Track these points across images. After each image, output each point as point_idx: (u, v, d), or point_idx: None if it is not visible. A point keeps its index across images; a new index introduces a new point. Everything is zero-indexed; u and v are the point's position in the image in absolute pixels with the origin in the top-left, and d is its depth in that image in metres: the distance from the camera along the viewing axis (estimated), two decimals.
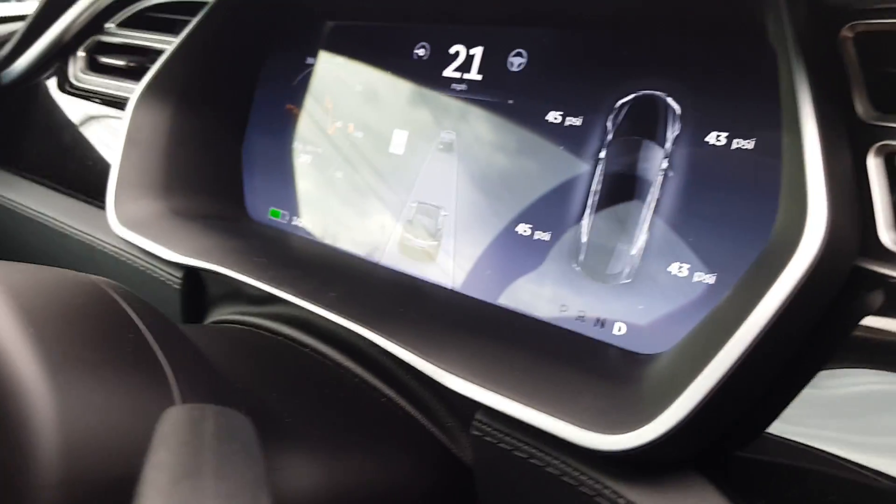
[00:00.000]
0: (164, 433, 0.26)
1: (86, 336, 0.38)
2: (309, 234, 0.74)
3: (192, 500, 0.21)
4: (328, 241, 0.72)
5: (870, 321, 0.38)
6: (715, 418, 0.39)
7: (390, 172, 0.67)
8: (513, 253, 0.58)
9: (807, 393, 0.40)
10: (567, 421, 0.41)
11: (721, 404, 0.38)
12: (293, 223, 0.75)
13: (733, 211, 0.48)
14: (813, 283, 0.36)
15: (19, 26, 0.95)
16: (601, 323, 0.53)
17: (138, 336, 0.40)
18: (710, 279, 0.48)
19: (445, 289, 0.62)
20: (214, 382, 0.41)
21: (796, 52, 0.40)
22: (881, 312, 0.37)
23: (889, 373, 0.38)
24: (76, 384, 0.35)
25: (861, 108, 0.40)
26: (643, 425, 0.38)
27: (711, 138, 0.49)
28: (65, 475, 0.32)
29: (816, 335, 0.39)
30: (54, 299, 0.41)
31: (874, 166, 0.39)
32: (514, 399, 0.43)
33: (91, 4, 0.91)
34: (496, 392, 0.44)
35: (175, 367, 0.38)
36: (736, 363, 0.36)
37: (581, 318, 0.54)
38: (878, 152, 0.39)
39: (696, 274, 0.49)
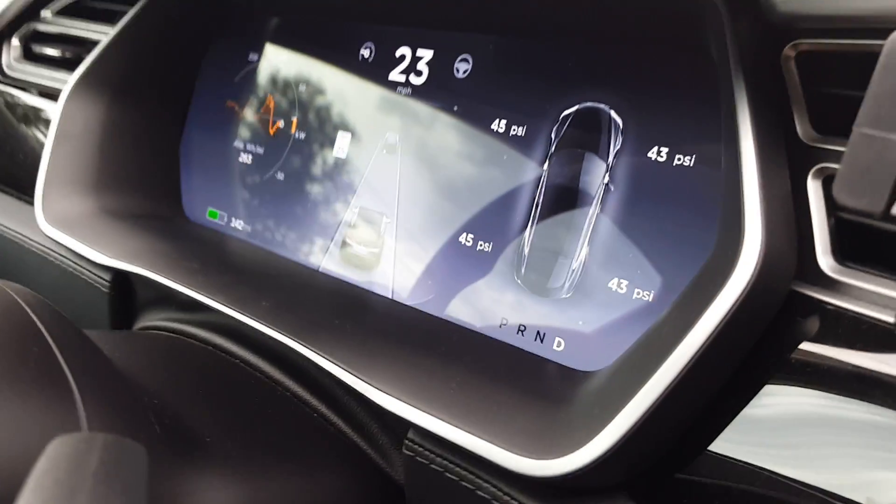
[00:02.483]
0: (42, 468, 0.24)
1: None
2: (248, 236, 0.71)
3: None
4: (267, 244, 0.69)
5: (807, 346, 0.37)
6: (649, 442, 0.38)
7: (333, 176, 0.65)
8: (455, 263, 0.57)
9: (745, 411, 0.39)
10: (499, 445, 0.39)
11: (655, 428, 0.37)
12: (232, 225, 0.72)
13: (673, 228, 0.47)
14: (748, 306, 0.35)
15: None
16: (541, 337, 0.51)
17: (44, 350, 0.38)
18: (648, 296, 0.47)
19: (386, 299, 0.60)
20: (126, 402, 0.38)
21: (737, 70, 0.39)
22: (817, 339, 0.37)
23: (826, 393, 0.37)
24: None
25: (801, 129, 0.39)
26: (575, 450, 0.37)
27: (653, 153, 0.48)
28: None
29: (753, 358, 0.38)
30: None
31: (813, 189, 0.38)
32: (445, 420, 0.41)
33: None
34: (428, 412, 0.42)
35: (83, 387, 0.36)
36: (670, 386, 0.35)
37: (521, 332, 0.52)
38: (817, 175, 0.38)
39: (636, 290, 0.48)
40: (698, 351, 0.35)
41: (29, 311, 0.41)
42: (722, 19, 0.41)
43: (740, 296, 0.35)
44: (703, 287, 0.39)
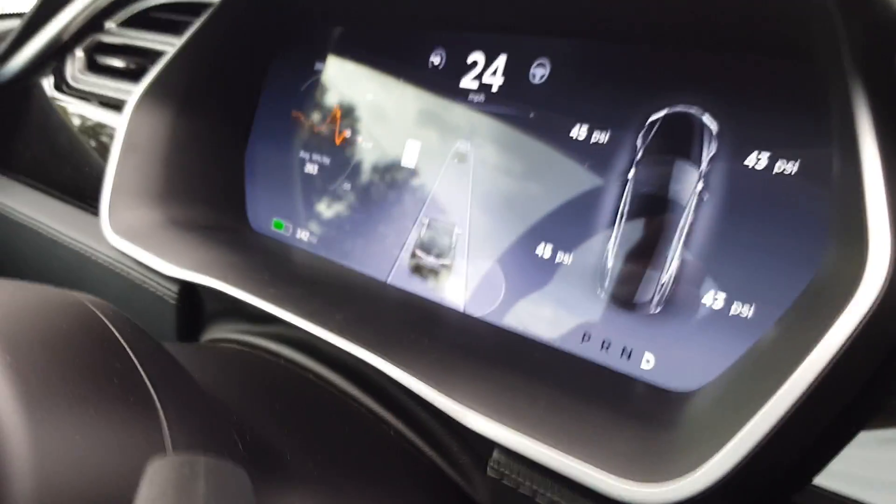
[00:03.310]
0: (149, 494, 0.23)
1: (68, 365, 0.34)
2: (313, 248, 0.70)
3: None
4: (334, 256, 0.68)
5: None
6: (764, 469, 0.35)
7: (401, 186, 0.64)
8: (532, 276, 0.54)
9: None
10: (595, 466, 0.37)
11: (773, 454, 0.34)
12: (297, 236, 0.71)
13: (773, 239, 0.44)
14: (877, 322, 0.33)
15: (16, 24, 0.92)
16: (628, 354, 0.49)
17: (127, 366, 0.36)
18: (748, 312, 0.45)
19: (458, 312, 0.58)
20: (209, 420, 0.37)
21: (853, 73, 0.37)
22: None
23: None
24: (55, 422, 0.31)
25: None
26: (685, 476, 0.34)
27: (751, 160, 0.46)
28: None
29: (874, 380, 0.36)
30: (35, 322, 0.37)
31: None
32: (536, 439, 0.39)
33: (91, 2, 0.88)
34: (516, 430, 0.40)
35: (167, 404, 0.35)
36: (792, 408, 0.33)
37: (605, 349, 0.50)
38: None
39: (734, 305, 0.45)
40: (822, 371, 0.32)
41: (109, 324, 0.40)
42: (834, 21, 0.38)
43: (869, 311, 0.32)
44: (819, 302, 0.37)
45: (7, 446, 0.30)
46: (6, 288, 0.40)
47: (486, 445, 0.43)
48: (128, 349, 0.38)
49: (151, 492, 0.23)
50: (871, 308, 0.32)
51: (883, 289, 0.32)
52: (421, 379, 0.44)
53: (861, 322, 0.32)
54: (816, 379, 0.33)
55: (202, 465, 0.25)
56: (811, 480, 0.38)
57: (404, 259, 0.62)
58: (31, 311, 0.38)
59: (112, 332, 0.38)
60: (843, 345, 0.32)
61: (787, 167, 0.44)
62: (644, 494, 0.35)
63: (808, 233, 0.43)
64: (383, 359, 0.46)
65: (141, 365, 0.37)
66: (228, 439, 0.37)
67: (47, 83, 0.91)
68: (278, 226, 0.73)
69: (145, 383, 0.36)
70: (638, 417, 0.42)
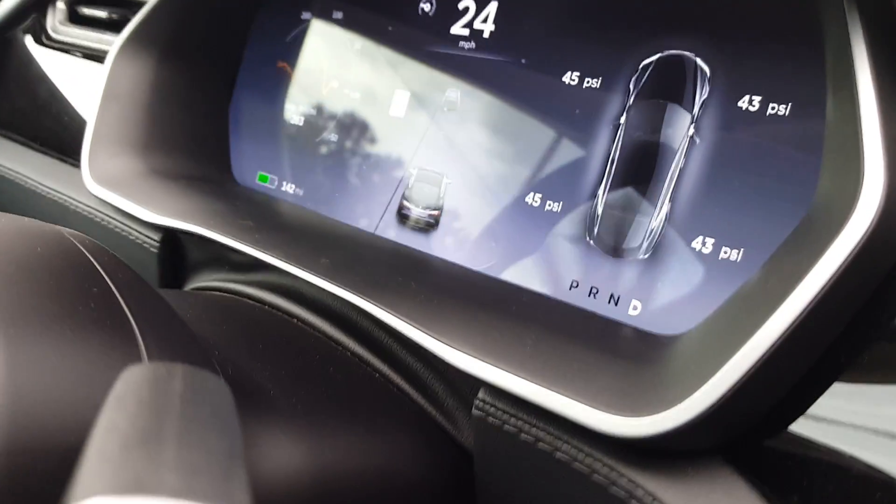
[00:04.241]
0: (120, 392, 0.22)
1: (43, 287, 0.34)
2: (300, 200, 0.69)
3: (145, 469, 0.16)
4: (320, 208, 0.67)
5: None
6: (748, 405, 0.35)
7: (389, 136, 0.63)
8: (521, 224, 0.54)
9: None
10: (580, 401, 0.37)
11: (756, 389, 0.34)
12: (283, 189, 0.70)
13: (765, 182, 0.44)
14: (865, 257, 0.32)
15: None
16: (615, 301, 0.48)
17: (104, 290, 0.36)
18: (736, 255, 0.44)
19: (446, 260, 0.57)
20: (189, 346, 0.36)
21: (850, 4, 0.36)
22: None
23: None
24: (29, 340, 0.30)
25: None
26: (667, 409, 0.34)
27: (743, 102, 0.45)
28: (10, 443, 0.27)
29: (861, 316, 0.35)
30: (10, 246, 0.36)
31: None
32: (520, 376, 0.39)
33: None
34: (501, 368, 0.39)
35: (143, 326, 0.34)
36: (775, 344, 0.32)
37: (593, 295, 0.49)
38: None
39: (723, 249, 0.45)
40: (811, 303, 0.32)
41: (86, 252, 0.39)
42: None
43: (858, 244, 0.32)
44: (808, 238, 0.36)
45: None
46: None
47: (471, 388, 0.43)
48: (105, 276, 0.37)
49: (124, 388, 0.22)
50: (862, 239, 0.32)
51: (875, 220, 0.32)
52: (407, 321, 0.44)
53: (852, 253, 0.32)
54: (802, 314, 0.32)
55: (180, 369, 0.24)
56: (788, 425, 0.37)
57: (392, 210, 0.62)
58: (6, 236, 0.37)
59: (89, 259, 0.37)
60: (835, 273, 0.32)
61: (780, 109, 0.44)
62: (627, 427, 0.35)
63: (799, 176, 0.43)
64: (369, 301, 0.45)
65: (119, 292, 0.36)
66: (209, 367, 0.36)
67: (28, 35, 0.89)
68: (263, 179, 0.72)
69: (123, 309, 0.35)
70: (624, 357, 0.42)
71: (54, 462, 0.28)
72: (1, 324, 0.30)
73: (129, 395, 0.21)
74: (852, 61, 0.35)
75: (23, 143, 0.84)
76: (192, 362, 0.35)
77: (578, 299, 0.50)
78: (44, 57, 0.86)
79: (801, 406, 0.37)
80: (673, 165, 0.47)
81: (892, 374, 0.35)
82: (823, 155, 0.39)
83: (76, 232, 0.42)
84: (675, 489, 0.35)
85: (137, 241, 0.63)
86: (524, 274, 0.53)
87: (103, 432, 0.18)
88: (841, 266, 0.32)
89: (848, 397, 0.37)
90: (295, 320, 0.53)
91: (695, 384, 0.34)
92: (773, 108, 0.44)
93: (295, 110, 0.70)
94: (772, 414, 0.37)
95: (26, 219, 0.41)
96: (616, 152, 0.50)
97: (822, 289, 0.32)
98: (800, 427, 0.37)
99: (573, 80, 0.52)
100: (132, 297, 0.36)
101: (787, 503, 0.35)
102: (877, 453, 0.34)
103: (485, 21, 0.58)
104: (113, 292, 0.36)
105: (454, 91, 0.59)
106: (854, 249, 0.32)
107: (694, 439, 0.35)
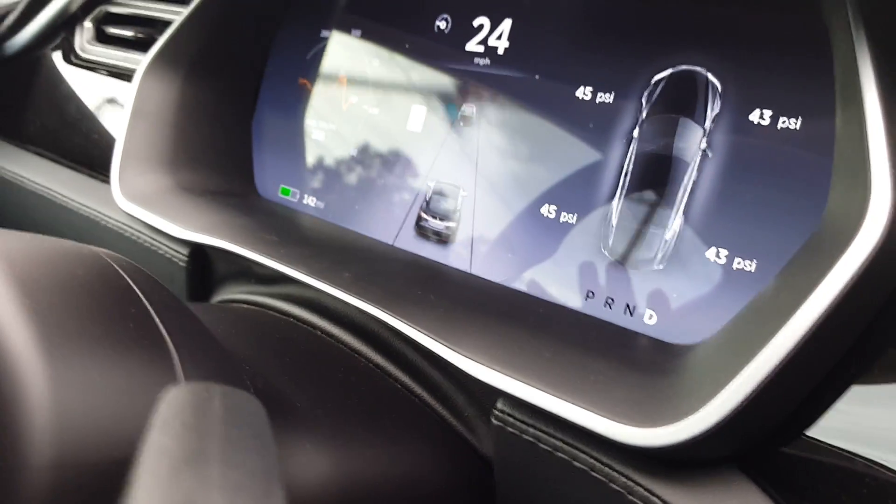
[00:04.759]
0: (165, 414, 0.24)
1: (84, 309, 0.35)
2: (320, 213, 0.71)
3: (194, 489, 0.18)
4: (341, 221, 0.69)
5: None
6: (763, 414, 0.36)
7: (407, 150, 0.64)
8: (536, 235, 0.55)
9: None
10: (598, 412, 0.38)
11: (770, 399, 0.35)
12: (304, 202, 0.72)
13: (776, 195, 0.45)
14: (874, 270, 0.33)
15: None
16: (630, 311, 0.50)
17: (141, 310, 0.37)
18: (750, 266, 0.45)
19: (463, 272, 0.59)
20: (221, 362, 0.38)
21: (857, 22, 0.37)
22: None
23: None
24: (72, 360, 0.32)
25: None
26: (683, 419, 0.35)
27: (755, 117, 0.46)
28: (57, 457, 0.29)
29: (872, 328, 0.36)
30: (53, 269, 0.38)
31: None
32: (538, 387, 0.40)
33: None
34: (520, 380, 0.41)
35: (179, 344, 0.36)
36: (788, 355, 0.33)
37: (608, 305, 0.51)
38: None
39: (736, 260, 0.46)
40: (822, 315, 0.33)
41: (123, 273, 0.41)
42: None
43: (868, 258, 0.33)
44: (819, 251, 0.37)
45: (28, 382, 0.31)
46: (23, 239, 0.41)
47: (490, 398, 0.44)
48: (141, 296, 0.39)
49: (168, 412, 0.23)
50: (870, 253, 0.33)
51: (883, 235, 0.33)
52: (426, 333, 0.45)
53: (861, 267, 0.33)
54: (814, 325, 0.33)
55: (219, 390, 0.26)
56: (804, 431, 0.38)
57: (410, 223, 0.63)
58: (48, 259, 0.39)
59: (126, 280, 0.39)
60: (843, 289, 0.33)
61: (790, 123, 0.45)
62: (643, 438, 0.36)
63: (810, 188, 0.44)
64: (390, 313, 0.47)
65: (155, 311, 0.38)
66: (240, 383, 0.38)
67: (56, 54, 0.92)
68: (285, 192, 0.74)
69: (159, 328, 0.37)
70: (640, 367, 0.43)
71: (98, 475, 0.30)
72: (47, 344, 0.32)
73: (174, 418, 0.23)
74: (859, 78, 0.36)
75: (54, 160, 0.87)
76: (224, 378, 0.37)
77: (594, 310, 0.51)
78: (72, 75, 0.89)
79: (815, 413, 0.38)
80: (686, 178, 0.48)
81: None
82: (833, 169, 0.40)
83: (112, 253, 0.43)
84: (691, 498, 0.36)
85: (167, 255, 0.65)
86: (540, 285, 0.54)
87: (153, 454, 0.20)
88: (851, 279, 0.33)
89: (862, 403, 0.38)
90: (319, 332, 0.55)
91: (710, 394, 0.35)
92: (783, 122, 0.45)
93: (315, 125, 0.72)
94: (786, 422, 0.38)
95: (66, 241, 0.43)
96: (629, 165, 0.51)
97: (834, 300, 0.33)
98: (814, 432, 0.38)
99: (586, 95, 0.54)
100: (167, 316, 0.38)
101: None
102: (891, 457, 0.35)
103: (499, 38, 0.59)
104: (149, 312, 0.37)
105: (470, 106, 0.60)
106: (863, 263, 0.33)
107: (709, 449, 0.36)
